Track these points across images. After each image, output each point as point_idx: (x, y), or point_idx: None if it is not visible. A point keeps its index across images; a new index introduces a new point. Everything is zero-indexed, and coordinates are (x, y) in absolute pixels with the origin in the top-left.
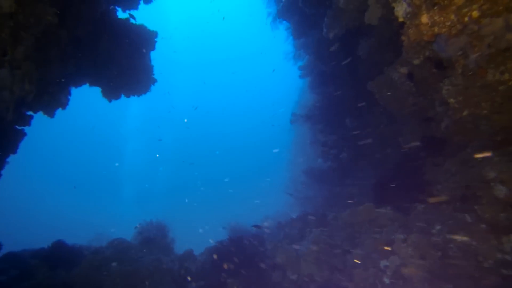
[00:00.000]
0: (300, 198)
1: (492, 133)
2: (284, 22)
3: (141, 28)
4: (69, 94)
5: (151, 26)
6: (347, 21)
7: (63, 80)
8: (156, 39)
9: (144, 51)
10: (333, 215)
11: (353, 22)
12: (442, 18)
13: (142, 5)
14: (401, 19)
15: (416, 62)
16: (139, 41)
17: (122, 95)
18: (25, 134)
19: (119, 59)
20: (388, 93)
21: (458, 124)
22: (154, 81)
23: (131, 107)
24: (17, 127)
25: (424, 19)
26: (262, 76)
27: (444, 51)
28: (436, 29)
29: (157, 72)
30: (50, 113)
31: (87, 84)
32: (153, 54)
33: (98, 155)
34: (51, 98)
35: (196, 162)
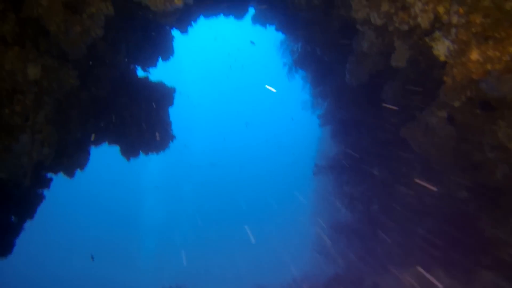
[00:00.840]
0: (328, 255)
1: None
2: (300, 71)
3: (159, 85)
4: (89, 154)
5: (169, 81)
6: (370, 66)
7: (82, 140)
8: (174, 95)
9: (162, 107)
10: (372, 282)
11: (376, 66)
12: (498, 53)
13: (160, 62)
14: (442, 59)
15: (456, 104)
16: (158, 98)
17: (141, 153)
18: (43, 197)
19: (138, 116)
20: (425, 140)
21: None
22: (173, 137)
23: (150, 163)
24: (35, 190)
25: (474, 55)
26: (281, 126)
27: (496, 90)
28: (489, 66)
29: (175, 128)
30: (70, 174)
31: (106, 143)
32: (171, 110)
33: (115, 214)
34: (70, 159)
35: (218, 217)
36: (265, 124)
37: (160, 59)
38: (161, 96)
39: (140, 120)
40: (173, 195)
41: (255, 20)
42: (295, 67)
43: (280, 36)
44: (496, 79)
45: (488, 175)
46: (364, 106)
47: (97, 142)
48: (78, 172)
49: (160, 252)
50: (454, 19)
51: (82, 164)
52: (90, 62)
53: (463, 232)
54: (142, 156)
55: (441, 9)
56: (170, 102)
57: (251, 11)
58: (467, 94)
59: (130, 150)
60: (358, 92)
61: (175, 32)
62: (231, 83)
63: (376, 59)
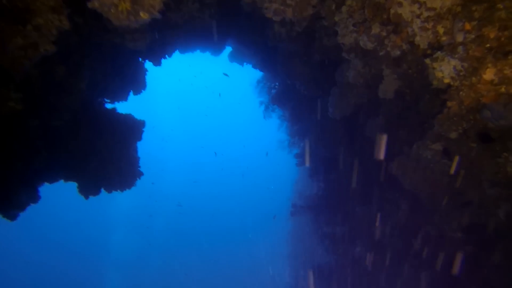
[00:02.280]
0: None
1: None
2: (277, 110)
3: (128, 118)
4: (36, 192)
5: (139, 115)
6: (355, 98)
7: (26, 177)
8: (143, 129)
9: (130, 141)
10: None
11: (361, 99)
12: None
13: (131, 95)
14: (446, 81)
15: (453, 135)
16: (125, 131)
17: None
18: None
19: (100, 150)
20: (416, 175)
21: None
22: (140, 174)
23: (118, 199)
24: None
25: (489, 75)
26: (257, 165)
27: (502, 118)
28: (503, 88)
29: (144, 163)
30: (11, 216)
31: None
32: (140, 145)
33: (79, 249)
34: (9, 199)
35: (187, 258)
36: (240, 161)
37: (131, 93)
38: (128, 130)
39: (103, 154)
40: (142, 232)
41: (232, 57)
42: (272, 105)
43: (257, 74)
44: (503, 106)
45: (487, 214)
46: (345, 143)
47: (51, 178)
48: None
49: None
50: (459, 37)
51: (22, 204)
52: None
53: (457, 277)
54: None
55: (440, 30)
56: (139, 137)
57: (228, 48)
58: (464, 125)
59: (90, 188)
60: (339, 128)
61: (148, 65)
62: (208, 118)
63: (361, 90)
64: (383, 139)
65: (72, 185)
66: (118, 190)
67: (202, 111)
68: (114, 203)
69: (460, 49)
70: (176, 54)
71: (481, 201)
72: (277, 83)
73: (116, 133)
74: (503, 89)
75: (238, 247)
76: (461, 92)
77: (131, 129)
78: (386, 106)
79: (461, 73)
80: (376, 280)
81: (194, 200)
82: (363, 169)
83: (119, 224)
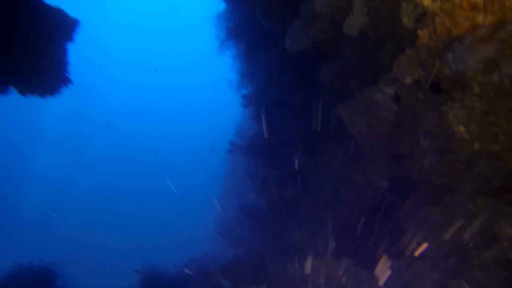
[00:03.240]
0: (233, 239)
1: (491, 176)
2: (232, 48)
3: (59, 14)
4: None
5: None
6: (317, 33)
7: None
8: (76, 29)
9: (58, 41)
10: (276, 267)
11: (322, 34)
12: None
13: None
14: (426, 2)
15: (408, 80)
16: (54, 28)
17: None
18: None
19: (19, 44)
20: (362, 120)
21: (447, 163)
22: (68, 81)
23: (42, 112)
24: None
25: None
26: (202, 101)
27: (461, 61)
28: (481, 17)
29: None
30: None
31: None
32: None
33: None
34: None
35: (115, 195)
36: (184, 92)
37: None
38: (59, 27)
39: (21, 50)
40: (69, 153)
41: None
42: (228, 41)
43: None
44: (467, 48)
45: (413, 166)
46: (297, 86)
47: None
48: None
49: (43, 214)
50: None
51: None
52: None
53: (377, 222)
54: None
55: None
56: (70, 37)
57: None
58: (419, 72)
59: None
60: (292, 69)
61: None
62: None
63: (324, 25)
64: None
65: None
66: (36, 94)
67: (155, 34)
68: (39, 116)
69: None
70: None
71: (412, 153)
72: (237, 16)
73: (42, 28)
74: (480, 19)
75: (171, 178)
76: (437, 18)
77: (62, 27)
78: (346, 50)
79: None
80: (304, 223)
81: (128, 122)
82: (309, 115)
83: (45, 141)
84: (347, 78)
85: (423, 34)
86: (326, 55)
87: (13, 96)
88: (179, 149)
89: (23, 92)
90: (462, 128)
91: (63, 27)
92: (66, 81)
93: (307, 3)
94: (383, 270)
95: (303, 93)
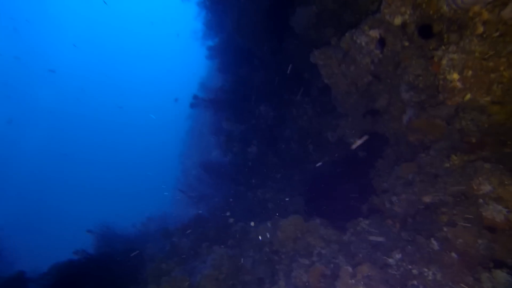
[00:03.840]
0: (194, 196)
1: (471, 132)
2: None
3: None
4: None
5: None
6: None
7: None
8: None
9: None
10: (240, 226)
11: None
12: None
13: None
14: None
15: (397, 21)
16: None
17: None
18: None
19: None
20: (339, 69)
21: (426, 118)
22: None
23: None
24: None
25: None
26: (166, 49)
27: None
28: None
29: None
30: None
31: None
32: None
33: None
34: None
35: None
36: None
37: None
38: None
39: None
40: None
41: None
42: None
43: None
44: None
45: (388, 122)
46: (266, 35)
47: None
48: None
49: None
50: None
51: None
52: None
53: (348, 181)
54: None
55: None
56: None
57: None
58: (410, 11)
59: None
60: (262, 16)
61: None
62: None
63: None
64: None
65: None
66: None
67: None
68: None
69: None
70: None
71: (389, 108)
72: None
73: None
74: None
75: (131, 135)
76: None
77: None
78: None
79: None
80: (269, 181)
81: (76, 65)
82: (278, 67)
83: None
84: (322, 25)
85: None
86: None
87: None
88: (141, 104)
89: None
90: (455, 76)
91: None
92: None
93: None
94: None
95: (273, 43)
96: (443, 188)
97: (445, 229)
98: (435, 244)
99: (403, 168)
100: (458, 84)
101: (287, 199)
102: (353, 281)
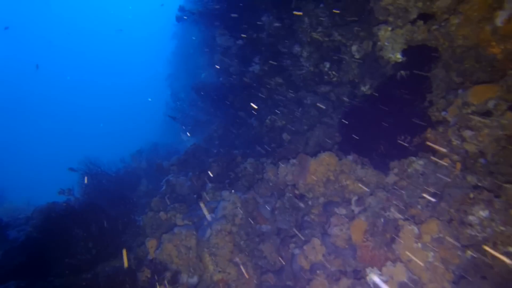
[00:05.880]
0: (187, 123)
1: None
2: None
3: None
4: None
5: None
6: None
7: None
8: None
9: None
10: (250, 164)
11: None
12: None
13: None
14: None
15: None
16: None
17: None
18: None
19: None
20: None
21: None
22: None
23: None
24: None
25: None
26: None
27: None
28: None
29: None
30: None
31: None
32: None
33: None
34: None
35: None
36: None
37: None
38: None
39: None
40: None
41: None
42: None
43: None
44: None
45: (459, 26)
46: None
47: None
48: None
49: None
50: None
51: None
52: None
53: (389, 110)
54: None
55: None
56: None
57: None
58: None
59: None
60: None
61: None
62: None
63: None
64: None
65: None
66: None
67: None
68: None
69: None
70: None
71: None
72: None
73: None
74: None
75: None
76: None
77: None
78: None
79: None
80: (276, 106)
81: None
82: None
83: None
84: None
85: None
86: None
87: None
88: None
89: None
90: None
91: None
92: None
93: None
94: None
95: None
96: None
97: None
98: None
99: (477, 92)
100: None
101: (305, 127)
102: (418, 244)
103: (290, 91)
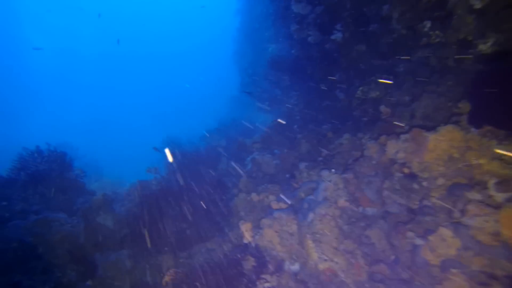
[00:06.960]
0: (263, 99)
1: None
2: None
3: None
4: None
5: None
6: None
7: None
8: None
9: None
10: (346, 139)
11: None
12: None
13: None
14: None
15: None
16: None
17: None
18: None
19: None
20: None
21: None
22: None
23: None
24: None
25: None
26: None
27: None
28: None
29: None
30: None
31: None
32: None
33: None
34: None
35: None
36: None
37: None
38: None
39: None
40: None
41: None
42: None
43: None
44: None
45: None
46: None
47: None
48: None
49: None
50: None
51: None
52: None
53: None
54: None
55: None
56: None
57: None
58: None
59: None
60: None
61: None
62: None
63: None
64: None
65: None
66: None
67: None
68: None
69: None
70: None
71: None
72: None
73: None
74: None
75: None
76: None
77: None
78: None
79: None
80: (356, 76)
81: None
82: None
83: None
84: None
85: None
86: None
87: None
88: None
89: None
90: None
91: None
92: None
93: None
94: None
95: None
96: None
97: None
98: None
99: None
100: None
101: (406, 98)
102: None
103: (380, 59)
